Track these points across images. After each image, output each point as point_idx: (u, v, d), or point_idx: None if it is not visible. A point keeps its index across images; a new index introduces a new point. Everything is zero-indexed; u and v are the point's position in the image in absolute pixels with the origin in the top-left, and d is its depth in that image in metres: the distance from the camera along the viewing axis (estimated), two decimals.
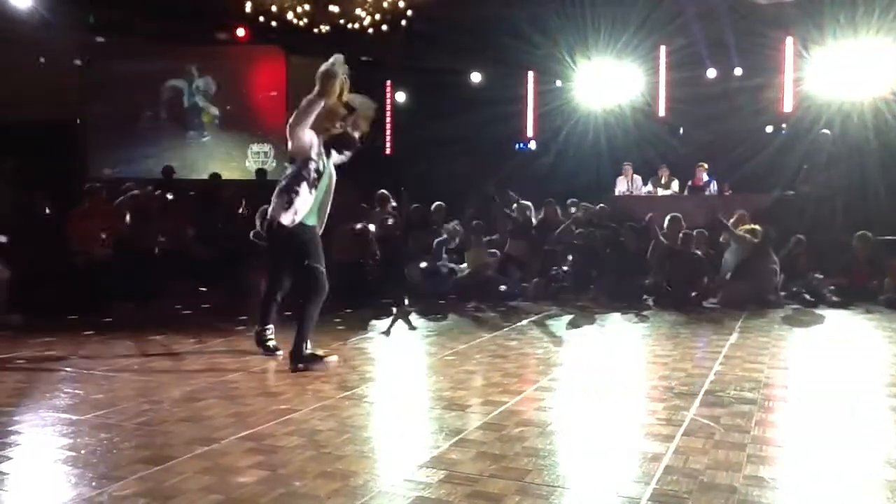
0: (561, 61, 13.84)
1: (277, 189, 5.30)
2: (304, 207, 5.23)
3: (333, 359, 5.42)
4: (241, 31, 14.11)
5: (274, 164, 14.38)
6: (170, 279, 8.90)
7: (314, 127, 5.15)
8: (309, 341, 5.33)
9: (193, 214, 10.18)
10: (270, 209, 5.31)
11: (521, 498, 2.98)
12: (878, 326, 7.50)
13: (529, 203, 10.75)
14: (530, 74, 14.62)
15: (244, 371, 5.30)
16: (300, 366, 5.21)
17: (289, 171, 5.35)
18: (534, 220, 10.67)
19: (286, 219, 5.19)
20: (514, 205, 10.72)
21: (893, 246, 9.51)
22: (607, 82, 13.80)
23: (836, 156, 11.21)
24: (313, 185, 5.23)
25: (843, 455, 3.56)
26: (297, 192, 5.17)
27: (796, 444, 3.78)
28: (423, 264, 9.43)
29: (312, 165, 5.21)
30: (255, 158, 14.92)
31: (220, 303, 8.68)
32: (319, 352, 5.40)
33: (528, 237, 10.34)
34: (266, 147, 14.91)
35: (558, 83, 14.46)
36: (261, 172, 13.24)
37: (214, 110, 15.18)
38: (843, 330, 7.48)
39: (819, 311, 8.44)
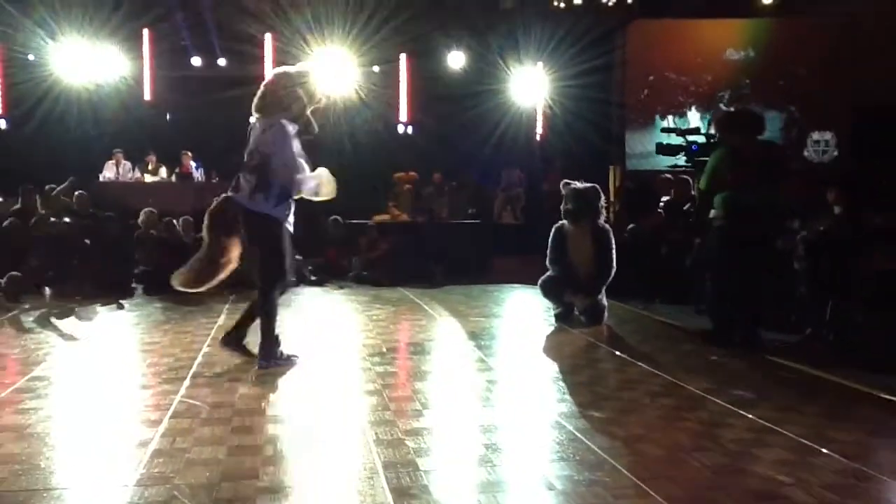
0: (34, 34, 12.69)
1: None
2: None
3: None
4: None
5: None
6: None
7: None
8: None
9: None
10: None
11: None
12: (348, 300, 8.50)
13: None
14: None
15: None
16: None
17: None
18: None
19: None
20: None
21: (362, 228, 10.77)
22: (88, 62, 13.03)
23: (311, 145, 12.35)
24: None
25: (319, 414, 4.07)
26: None
27: (277, 411, 4.17)
28: None
29: None
30: None
31: None
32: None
33: None
34: None
35: (31, 57, 13.23)
36: None
37: None
38: (322, 305, 8.31)
39: (301, 290, 9.20)
